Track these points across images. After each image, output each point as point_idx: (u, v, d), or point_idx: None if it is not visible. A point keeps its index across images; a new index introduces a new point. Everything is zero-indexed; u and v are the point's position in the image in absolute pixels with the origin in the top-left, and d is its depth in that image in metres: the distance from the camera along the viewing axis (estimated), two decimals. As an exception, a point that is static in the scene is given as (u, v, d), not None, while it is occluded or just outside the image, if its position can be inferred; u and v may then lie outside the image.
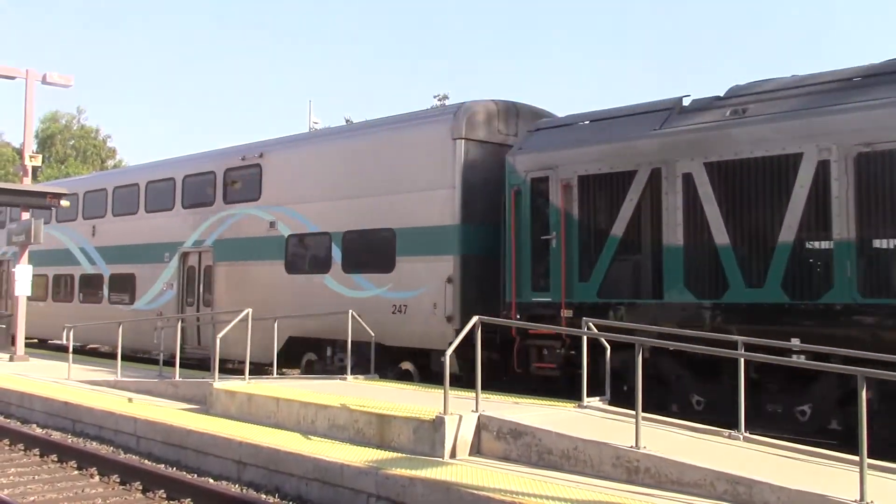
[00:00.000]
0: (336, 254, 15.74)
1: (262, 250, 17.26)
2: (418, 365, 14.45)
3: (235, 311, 14.09)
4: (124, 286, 21.36)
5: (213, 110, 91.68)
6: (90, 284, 22.80)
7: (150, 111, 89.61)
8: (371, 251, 15.25)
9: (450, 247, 13.82)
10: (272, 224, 17.16)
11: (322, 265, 16.04)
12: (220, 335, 12.76)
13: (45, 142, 59.50)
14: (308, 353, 16.13)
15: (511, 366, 12.97)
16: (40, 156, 27.98)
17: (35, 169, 22.49)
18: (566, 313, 12.19)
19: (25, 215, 20.84)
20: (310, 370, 16.13)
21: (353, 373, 13.71)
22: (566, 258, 12.36)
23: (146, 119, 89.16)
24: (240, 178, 18.41)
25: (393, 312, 14.41)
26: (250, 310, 13.42)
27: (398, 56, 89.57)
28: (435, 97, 41.76)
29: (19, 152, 31.32)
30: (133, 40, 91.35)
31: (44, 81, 20.76)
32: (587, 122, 13.07)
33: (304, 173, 16.88)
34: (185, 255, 19.40)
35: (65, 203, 21.06)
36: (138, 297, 20.69)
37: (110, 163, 60.60)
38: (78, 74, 46.58)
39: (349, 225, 15.66)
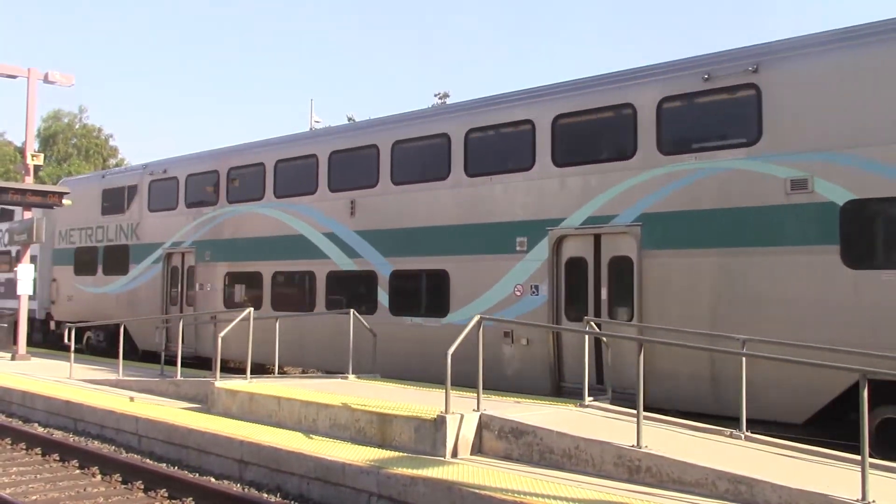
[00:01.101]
0: None
1: (773, 230, 10.54)
2: None
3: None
4: (425, 290, 14.52)
5: (214, 110, 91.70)
6: (349, 287, 15.69)
7: (151, 111, 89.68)
8: None
9: None
10: (797, 184, 10.36)
11: None
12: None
13: (48, 140, 59.64)
14: (888, 409, 9.44)
15: None
16: (42, 154, 27.97)
17: (37, 168, 22.32)
18: None
19: (28, 214, 20.80)
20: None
21: None
22: None
23: (147, 119, 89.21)
24: (698, 113, 11.65)
25: None
26: (251, 309, 13.32)
27: (400, 54, 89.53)
28: (435, 95, 41.86)
29: (21, 151, 31.38)
30: (135, 40, 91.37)
31: (45, 80, 20.73)
32: None
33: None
34: (560, 241, 12.67)
35: (66, 202, 20.84)
36: (456, 305, 13.70)
37: (112, 161, 60.67)
38: (81, 74, 46.71)
39: None
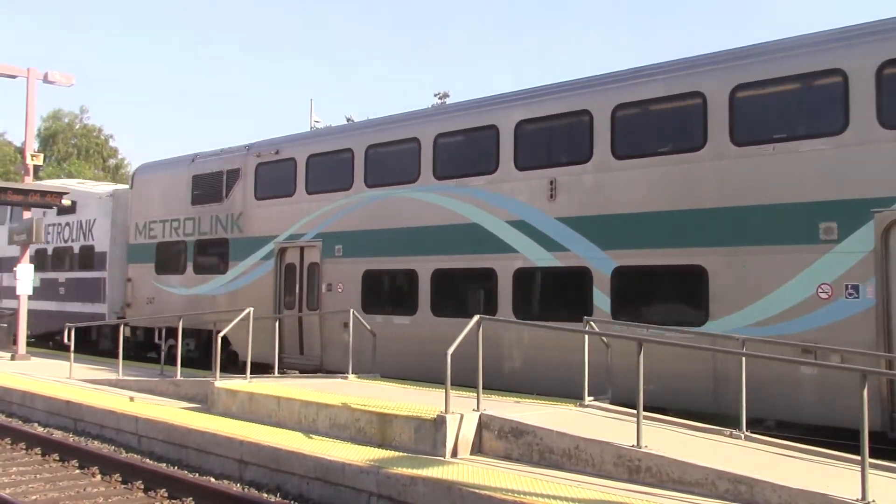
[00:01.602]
0: None
1: None
2: None
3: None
4: (669, 292, 11.81)
5: (214, 111, 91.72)
6: (548, 286, 13.02)
7: (151, 111, 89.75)
8: None
9: None
10: None
11: None
12: (223, 330, 12.72)
13: (48, 140, 59.73)
14: None
15: None
16: (42, 155, 27.97)
17: (36, 168, 22.26)
18: None
19: (27, 214, 20.78)
20: None
21: None
22: None
23: (148, 119, 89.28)
24: None
25: None
26: (251, 308, 13.34)
27: (398, 55, 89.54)
28: (435, 95, 41.87)
29: (21, 151, 31.36)
30: (136, 40, 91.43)
31: (45, 80, 20.72)
32: None
33: None
34: (892, 227, 9.83)
35: (66, 202, 20.81)
36: (720, 311, 10.89)
37: (112, 162, 60.75)
38: (84, 75, 46.83)
39: None
